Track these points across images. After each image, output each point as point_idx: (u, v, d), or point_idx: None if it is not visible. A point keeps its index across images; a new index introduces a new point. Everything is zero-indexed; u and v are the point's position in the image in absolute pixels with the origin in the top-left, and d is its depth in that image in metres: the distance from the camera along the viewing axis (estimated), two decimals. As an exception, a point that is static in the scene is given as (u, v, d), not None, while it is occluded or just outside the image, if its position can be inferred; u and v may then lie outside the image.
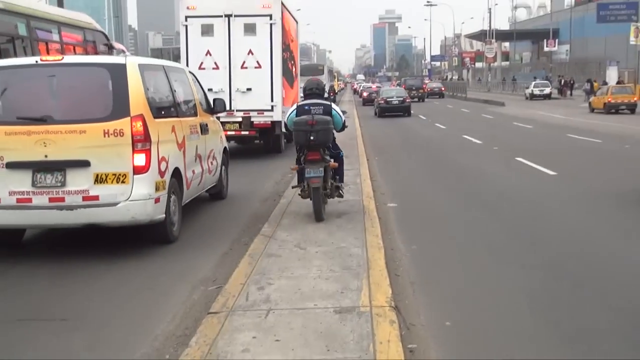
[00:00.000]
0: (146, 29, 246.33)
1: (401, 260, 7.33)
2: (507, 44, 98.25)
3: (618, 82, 42.83)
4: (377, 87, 60.96)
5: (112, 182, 7.37)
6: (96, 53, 14.75)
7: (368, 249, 7.29)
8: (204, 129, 9.85)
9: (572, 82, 54.23)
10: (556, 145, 20.44)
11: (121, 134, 7.36)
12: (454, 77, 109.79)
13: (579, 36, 70.15)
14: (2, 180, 7.36)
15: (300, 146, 9.15)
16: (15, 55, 9.87)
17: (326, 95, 10.88)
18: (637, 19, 48.31)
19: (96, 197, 7.34)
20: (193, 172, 9.15)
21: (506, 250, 7.82)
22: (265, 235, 8.12)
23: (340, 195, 9.70)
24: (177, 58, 31.40)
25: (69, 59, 8.36)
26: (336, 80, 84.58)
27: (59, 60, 7.95)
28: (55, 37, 13.89)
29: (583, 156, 17.39)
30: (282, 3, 17.11)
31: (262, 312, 5.36)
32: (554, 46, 71.26)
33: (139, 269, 7.34)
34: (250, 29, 16.60)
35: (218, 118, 11.46)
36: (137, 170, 7.45)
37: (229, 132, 15.66)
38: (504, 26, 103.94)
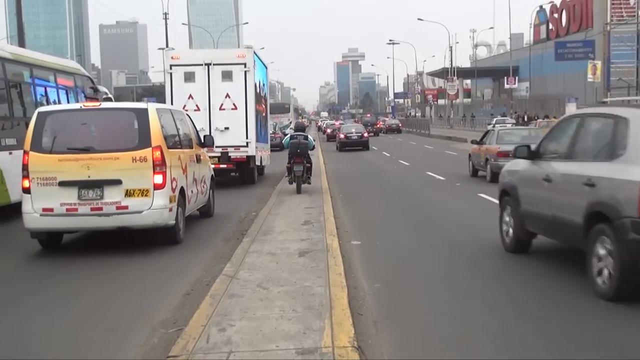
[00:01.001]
0: (109, 68, 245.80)
1: (364, 299, 7.28)
2: (468, 81, 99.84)
3: None
4: (339, 124, 64.19)
5: (138, 195, 9.96)
6: (85, 95, 17.34)
7: (331, 287, 7.22)
8: (198, 158, 12.58)
9: (530, 117, 55.00)
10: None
11: (145, 160, 9.99)
12: (417, 114, 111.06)
13: (538, 73, 71.58)
14: (55, 195, 9.81)
15: (291, 155, 17.20)
16: (21, 97, 11.91)
17: (292, 128, 23.63)
18: (594, 56, 49.49)
19: (126, 207, 9.90)
20: (192, 191, 11.77)
21: (470, 287, 7.81)
22: (228, 275, 8.01)
23: (309, 183, 17.47)
24: (140, 97, 31.77)
25: (105, 104, 11.51)
26: (301, 118, 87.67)
27: (97, 106, 10.89)
28: (52, 82, 16.60)
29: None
30: (254, 52, 19.44)
31: (223, 355, 5.25)
32: (514, 83, 72.53)
33: (98, 311, 7.20)
34: (227, 76, 18.82)
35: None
36: (157, 187, 10.06)
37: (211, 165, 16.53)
38: (465, 64, 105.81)
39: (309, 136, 17.94)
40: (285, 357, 5.18)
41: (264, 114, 22.08)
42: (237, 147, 19.06)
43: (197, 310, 6.56)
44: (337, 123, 68.68)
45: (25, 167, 10.01)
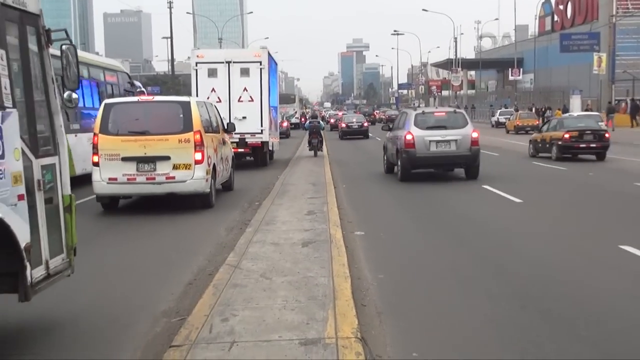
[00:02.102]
0: (113, 57, 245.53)
1: (368, 290, 7.25)
2: (472, 72, 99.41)
3: (586, 110, 43.56)
4: (342, 114, 67.29)
5: (183, 169, 12.68)
6: (124, 89, 20.95)
7: (334, 278, 7.20)
8: (224, 141, 15.35)
9: (538, 110, 54.66)
10: (522, 172, 20.61)
11: (188, 141, 12.70)
12: (420, 105, 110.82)
13: (543, 65, 71.25)
14: (119, 168, 12.49)
15: (310, 132, 27.34)
16: (82, 91, 15.01)
17: (298, 118, 54.78)
18: (599, 48, 49.28)
19: (173, 177, 12.65)
20: (220, 167, 14.37)
21: (473, 278, 7.78)
22: (231, 265, 7.99)
23: (321, 150, 27.61)
24: (144, 86, 32.29)
25: (157, 98, 14.93)
26: (305, 108, 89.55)
27: (150, 99, 14.23)
28: (102, 78, 20.32)
29: (549, 183, 17.53)
30: (268, 52, 22.34)
31: (225, 345, 5.23)
32: (519, 75, 72.34)
33: (100, 301, 7.18)
34: (245, 72, 21.53)
35: None
36: (197, 162, 12.75)
37: None
38: (470, 55, 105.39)
39: (320, 121, 29.89)
40: (288, 347, 5.16)
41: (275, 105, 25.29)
42: (253, 134, 21.84)
43: (200, 300, 6.54)
44: (340, 113, 69.93)
45: (95, 146, 12.72)
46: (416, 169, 18.19)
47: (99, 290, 7.60)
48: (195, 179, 12.79)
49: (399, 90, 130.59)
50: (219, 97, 21.15)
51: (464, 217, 12.16)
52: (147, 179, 12.62)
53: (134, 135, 12.67)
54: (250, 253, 8.62)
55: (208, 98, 19.54)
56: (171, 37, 52.03)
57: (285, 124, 45.80)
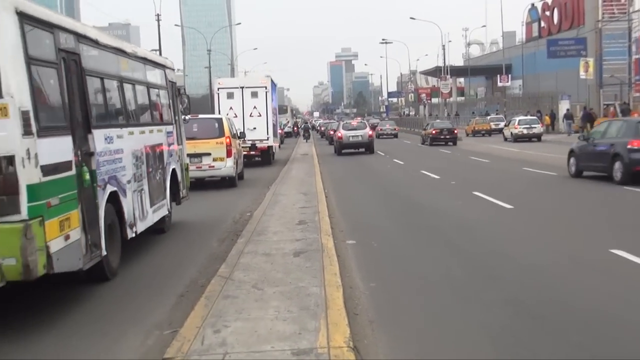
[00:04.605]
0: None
1: (360, 299, 7.23)
2: (461, 79, 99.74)
3: (584, 113, 43.80)
4: (324, 122, 78.30)
5: (219, 161, 19.44)
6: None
7: (326, 288, 7.18)
8: (239, 144, 22.30)
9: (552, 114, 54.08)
10: (512, 178, 20.67)
11: (221, 143, 19.47)
12: (410, 113, 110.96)
13: (531, 71, 71.52)
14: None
15: (304, 132, 57.73)
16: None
17: (291, 127, 72.92)
18: (586, 53, 49.50)
19: (213, 167, 19.46)
20: (239, 162, 21.43)
21: (466, 286, 7.77)
22: (223, 276, 7.96)
23: (309, 138, 55.83)
24: None
25: (201, 116, 21.16)
26: (295, 118, 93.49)
27: (196, 116, 20.08)
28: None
29: (539, 189, 17.57)
30: (271, 79, 29.93)
31: (218, 356, 5.21)
32: (507, 81, 72.61)
33: (90, 313, 7.14)
34: (254, 95, 28.44)
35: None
36: (228, 156, 19.53)
37: (243, 152, 24.96)
38: (459, 62, 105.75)
39: (309, 128, 59.53)
40: (280, 357, 5.14)
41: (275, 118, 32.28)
42: (261, 140, 28.55)
43: (191, 312, 6.52)
44: (320, 121, 75.58)
45: None
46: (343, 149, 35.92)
47: (91, 300, 7.55)
48: (227, 167, 19.68)
49: (389, 99, 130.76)
50: (235, 114, 27.56)
51: (456, 225, 12.16)
52: (197, 167, 18.93)
53: (188, 140, 15.91)
54: (242, 264, 8.60)
55: (227, 114, 25.44)
56: (160, 50, 52.05)
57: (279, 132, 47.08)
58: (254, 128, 28.02)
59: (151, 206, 10.50)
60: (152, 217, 10.60)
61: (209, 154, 19.36)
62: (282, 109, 70.99)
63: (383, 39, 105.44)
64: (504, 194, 15.62)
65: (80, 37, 8.08)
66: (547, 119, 51.56)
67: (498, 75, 75.43)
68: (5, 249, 6.12)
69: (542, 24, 74.43)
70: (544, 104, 57.70)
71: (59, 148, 7.00)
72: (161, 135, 11.60)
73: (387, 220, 13.21)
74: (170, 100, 12.76)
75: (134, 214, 9.47)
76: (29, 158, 6.31)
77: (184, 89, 14.37)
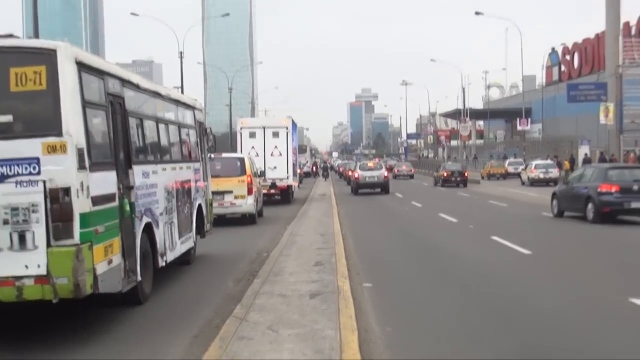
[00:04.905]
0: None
1: (375, 343, 7.21)
2: (481, 122, 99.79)
3: (600, 159, 43.59)
4: (342, 162, 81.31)
5: (240, 198, 20.33)
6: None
7: (341, 331, 7.16)
8: (260, 182, 23.08)
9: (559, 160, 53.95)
10: (530, 223, 20.56)
11: (243, 181, 20.40)
12: (429, 155, 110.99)
13: (550, 115, 71.52)
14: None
15: (323, 171, 63.78)
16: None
17: (310, 167, 70.98)
18: (606, 98, 49.44)
19: (234, 204, 20.34)
20: (259, 199, 22.15)
21: (482, 332, 7.72)
22: (238, 317, 7.97)
23: (328, 177, 62.00)
24: None
25: (224, 155, 21.97)
26: (314, 157, 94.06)
27: (219, 155, 20.30)
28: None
29: (558, 234, 17.47)
30: (292, 119, 30.92)
31: (231, 399, 5.20)
32: (527, 125, 72.54)
33: (107, 351, 7.17)
34: (275, 135, 29.27)
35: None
36: (249, 193, 20.41)
37: (263, 190, 25.94)
38: (478, 105, 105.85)
39: (328, 168, 65.87)
40: (294, 402, 5.12)
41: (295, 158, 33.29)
42: (281, 179, 29.14)
43: (205, 353, 6.52)
44: (339, 161, 77.76)
45: None
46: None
47: (103, 340, 7.58)
48: (248, 205, 20.49)
49: (408, 140, 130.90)
50: (257, 152, 28.41)
51: (473, 269, 12.10)
52: (219, 204, 19.26)
53: (212, 177, 15.97)
54: (257, 305, 8.60)
55: (249, 153, 26.64)
56: (182, 87, 52.64)
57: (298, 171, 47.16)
58: (275, 167, 28.68)
59: (179, 238, 11.35)
60: (180, 248, 11.48)
61: (231, 192, 20.16)
62: (301, 149, 70.99)
63: (403, 81, 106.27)
64: (521, 239, 15.54)
65: (125, 82, 9.09)
66: (566, 163, 51.32)
67: (517, 119, 75.43)
68: (59, 269, 6.91)
69: (563, 68, 74.65)
70: (564, 149, 57.55)
71: (105, 181, 7.93)
72: (190, 172, 12.47)
73: (404, 263, 13.17)
74: (198, 139, 13.62)
75: (164, 244, 10.32)
76: (82, 190, 7.18)
77: (210, 129, 15.01)
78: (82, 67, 7.52)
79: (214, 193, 16.20)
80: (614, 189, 18.68)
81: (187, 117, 12.98)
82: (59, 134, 7.07)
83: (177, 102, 12.24)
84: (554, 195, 21.99)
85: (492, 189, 39.82)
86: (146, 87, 10.15)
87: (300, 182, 47.41)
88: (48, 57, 7.16)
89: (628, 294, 9.30)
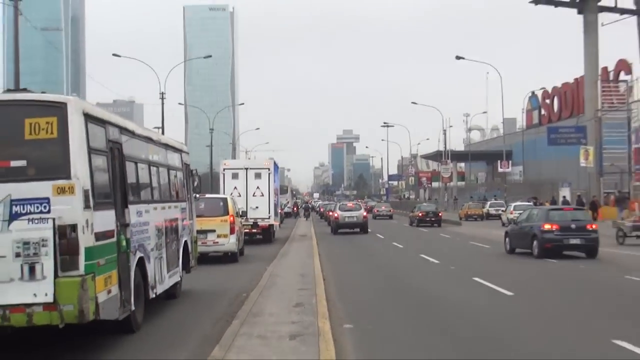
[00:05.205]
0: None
1: (356, 386, 7.07)
2: (462, 164, 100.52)
3: (577, 202, 43.78)
4: (323, 203, 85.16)
5: (223, 237, 20.83)
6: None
7: (322, 373, 7.03)
8: (242, 222, 23.91)
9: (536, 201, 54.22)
10: (512, 264, 20.55)
11: (226, 221, 20.95)
12: (411, 196, 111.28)
13: (531, 157, 72.21)
14: None
15: (305, 211, 65.97)
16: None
17: (291, 207, 70.05)
18: (586, 141, 50.03)
19: (217, 242, 20.81)
20: (241, 238, 23.15)
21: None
22: (216, 359, 7.81)
23: (309, 217, 64.24)
24: None
25: (207, 195, 22.63)
26: (295, 198, 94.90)
27: (203, 195, 20.58)
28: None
29: (540, 275, 17.46)
30: (274, 161, 32.23)
31: None
32: (508, 167, 72.94)
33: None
34: (258, 176, 30.13)
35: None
36: (231, 233, 20.97)
37: (245, 230, 26.56)
38: (459, 147, 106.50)
39: (310, 208, 68.11)
40: None
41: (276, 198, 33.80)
42: (263, 219, 29.89)
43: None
44: (319, 202, 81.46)
45: None
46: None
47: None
48: (230, 243, 21.02)
49: (389, 182, 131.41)
50: (239, 193, 29.32)
51: (455, 311, 12.02)
52: (202, 242, 19.05)
53: (197, 217, 16.46)
54: (236, 346, 8.45)
55: (232, 193, 27.90)
56: (163, 128, 52.62)
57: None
58: (257, 207, 29.59)
59: (167, 272, 12.18)
60: (168, 282, 12.34)
61: (214, 231, 20.68)
62: (282, 189, 71.47)
63: (384, 123, 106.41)
64: (503, 280, 15.51)
65: (122, 130, 9.99)
66: (546, 204, 51.63)
67: (499, 161, 75.83)
68: (66, 297, 7.76)
69: (543, 111, 75.65)
70: (545, 191, 57.94)
71: (106, 219, 8.78)
72: (177, 211, 13.41)
73: (386, 304, 13.06)
74: (185, 180, 14.51)
75: (154, 278, 11.18)
76: (87, 226, 8.06)
77: (196, 170, 15.89)
78: (88, 117, 8.47)
79: (198, 232, 16.74)
80: (554, 228, 21.47)
81: (175, 159, 13.87)
82: (68, 177, 7.96)
83: (167, 146, 13.16)
84: (506, 234, 24.61)
85: (473, 230, 39.89)
86: (140, 133, 11.11)
87: (282, 222, 47.65)
88: (59, 110, 8.11)
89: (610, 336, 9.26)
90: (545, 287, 15.35)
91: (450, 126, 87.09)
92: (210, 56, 73.89)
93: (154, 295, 11.03)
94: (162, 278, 11.73)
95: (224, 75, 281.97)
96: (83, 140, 8.28)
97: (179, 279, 13.47)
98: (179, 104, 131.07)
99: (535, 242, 21.77)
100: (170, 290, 12.78)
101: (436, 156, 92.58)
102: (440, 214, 48.94)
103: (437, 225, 46.63)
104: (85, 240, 8.01)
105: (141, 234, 10.45)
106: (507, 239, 24.13)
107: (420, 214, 48.15)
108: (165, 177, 12.74)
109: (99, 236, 8.36)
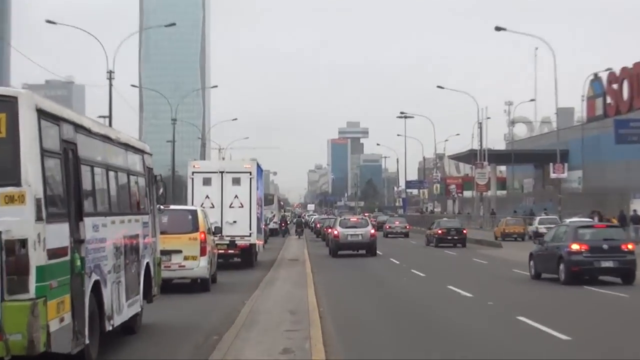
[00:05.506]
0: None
1: None
2: (503, 167, 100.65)
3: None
4: (321, 217, 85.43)
5: (191, 259, 21.13)
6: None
7: None
8: (214, 241, 24.42)
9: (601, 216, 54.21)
10: (569, 300, 20.53)
11: (195, 239, 21.41)
12: (435, 209, 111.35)
13: (594, 159, 72.04)
14: None
15: (297, 226, 69.36)
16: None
17: (278, 222, 72.23)
18: (666, 139, 50.04)
19: (184, 266, 21.13)
20: (214, 261, 23.39)
21: None
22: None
23: (302, 235, 65.34)
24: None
25: (172, 207, 23.48)
26: (284, 210, 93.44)
27: (168, 207, 20.37)
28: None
29: (605, 315, 17.42)
30: (257, 163, 32.06)
31: None
32: (563, 172, 72.59)
33: None
34: (236, 181, 30.15)
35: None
36: (202, 254, 21.26)
37: (220, 250, 26.83)
38: (499, 145, 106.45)
39: (302, 223, 71.68)
40: None
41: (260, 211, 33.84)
42: (242, 237, 29.97)
43: None
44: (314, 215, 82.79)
45: None
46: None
47: None
48: (200, 268, 21.20)
49: (408, 190, 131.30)
50: (212, 203, 29.36)
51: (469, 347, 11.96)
52: (165, 266, 18.78)
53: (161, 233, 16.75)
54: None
55: (202, 204, 28.07)
56: (110, 117, 52.45)
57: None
58: (234, 222, 29.83)
59: (126, 300, 12.59)
60: (127, 312, 12.72)
61: (180, 252, 20.94)
62: (267, 199, 70.76)
63: (402, 113, 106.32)
64: (558, 320, 15.46)
65: (77, 127, 10.43)
66: (613, 221, 51.56)
67: (551, 164, 75.77)
68: (13, 325, 8.20)
69: (609, 99, 75.55)
70: (611, 203, 57.90)
71: (59, 234, 9.21)
72: (138, 226, 13.91)
73: (403, 351, 13.00)
74: (147, 188, 15.08)
75: (112, 306, 11.56)
76: (39, 242, 8.47)
77: (160, 176, 16.33)
78: (41, 114, 8.96)
79: (161, 252, 17.09)
80: (583, 248, 22.85)
81: (137, 162, 14.44)
82: (18, 183, 8.42)
83: (127, 146, 13.65)
84: (530, 256, 26.07)
85: (516, 253, 39.71)
86: (97, 131, 11.60)
87: (266, 241, 47.76)
88: (9, 105, 8.62)
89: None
90: (597, 325, 15.31)
91: (488, 118, 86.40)
92: (174, 24, 73.41)
93: (110, 328, 11.37)
94: (120, 307, 12.11)
95: (192, 51, 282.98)
96: (35, 141, 8.70)
97: (139, 309, 13.83)
98: (132, 86, 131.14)
99: (561, 266, 23.12)
100: (129, 322, 13.12)
101: (469, 157, 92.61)
102: (464, 231, 49.85)
103: (461, 245, 47.59)
104: (37, 258, 8.41)
105: (97, 253, 10.86)
106: (531, 262, 25.69)
107: (439, 232, 48.77)
108: (125, 184, 13.25)
109: (51, 254, 8.73)
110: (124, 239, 12.68)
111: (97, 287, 10.66)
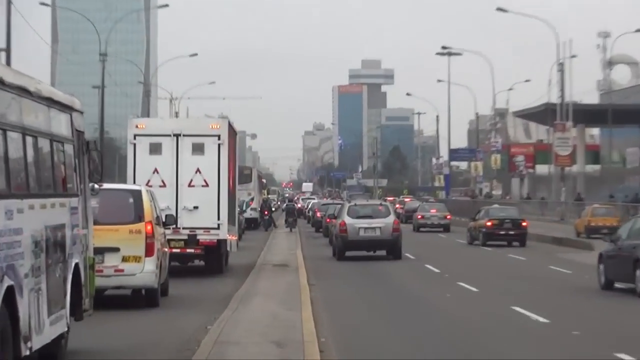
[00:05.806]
0: None
1: None
2: (596, 131, 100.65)
3: None
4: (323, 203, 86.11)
5: (132, 261, 22.04)
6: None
7: None
8: (165, 235, 25.32)
9: None
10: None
11: (139, 232, 22.27)
12: (493, 191, 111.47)
13: None
14: None
15: (287, 213, 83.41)
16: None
17: (257, 209, 79.17)
18: None
19: (122, 270, 21.90)
20: (164, 265, 23.98)
21: None
22: None
23: (295, 227, 74.98)
24: None
25: (106, 186, 20.45)
26: (267, 192, 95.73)
27: (101, 186, 18.18)
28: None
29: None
30: (228, 123, 31.98)
31: None
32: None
33: None
34: (198, 149, 30.32)
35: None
36: (148, 254, 22.08)
37: (173, 250, 27.98)
38: (590, 98, 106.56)
39: (295, 210, 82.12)
40: None
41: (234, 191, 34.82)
42: (207, 230, 30.31)
43: None
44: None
45: None
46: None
47: None
48: (145, 273, 21.53)
49: (453, 163, 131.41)
50: (163, 181, 29.84)
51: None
52: (96, 270, 17.89)
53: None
54: None
55: (149, 181, 28.60)
56: (8, 50, 52.57)
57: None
58: (195, 207, 30.16)
59: (48, 316, 12.76)
60: (49, 333, 12.90)
61: (117, 250, 21.49)
62: (242, 175, 70.61)
63: (443, 47, 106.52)
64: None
65: None
66: None
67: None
68: None
69: None
70: None
71: None
72: (64, 212, 14.12)
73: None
74: (77, 160, 15.33)
75: (29, 323, 11.66)
76: None
77: (95, 143, 16.64)
78: None
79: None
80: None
81: (62, 124, 14.64)
82: None
83: (50, 102, 13.78)
84: (600, 258, 27.77)
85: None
86: (11, 81, 11.64)
87: (241, 236, 48.72)
88: None
89: None
90: None
91: (573, 56, 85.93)
92: None
93: (27, 352, 11.47)
94: (40, 324, 12.22)
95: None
96: None
97: (66, 329, 13.98)
98: (42, 4, 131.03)
99: (638, 273, 23.99)
100: (51, 348, 13.25)
101: (544, 114, 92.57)
102: (524, 224, 50.10)
103: (519, 244, 48.40)
104: None
105: (11, 249, 10.99)
106: (600, 266, 27.38)
107: (487, 224, 49.25)
108: (47, 155, 13.30)
109: None
110: (47, 229, 12.74)
111: (10, 296, 10.69)
